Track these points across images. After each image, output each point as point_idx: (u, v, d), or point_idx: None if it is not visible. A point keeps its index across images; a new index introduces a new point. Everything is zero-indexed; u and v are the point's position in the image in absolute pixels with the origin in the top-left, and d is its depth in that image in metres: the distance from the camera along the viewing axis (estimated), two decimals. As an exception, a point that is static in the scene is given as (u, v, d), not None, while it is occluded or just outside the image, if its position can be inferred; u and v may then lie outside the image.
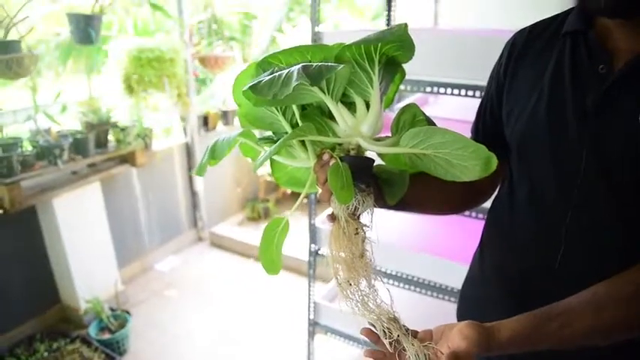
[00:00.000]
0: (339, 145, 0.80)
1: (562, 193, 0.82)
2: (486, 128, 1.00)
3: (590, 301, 0.72)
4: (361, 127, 0.79)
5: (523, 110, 0.87)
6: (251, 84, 0.72)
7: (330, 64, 0.70)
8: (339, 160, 0.75)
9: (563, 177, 0.82)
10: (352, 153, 0.79)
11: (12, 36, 2.22)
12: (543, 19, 0.92)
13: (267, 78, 0.71)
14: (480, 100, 1.03)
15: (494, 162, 0.69)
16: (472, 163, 0.69)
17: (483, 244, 1.06)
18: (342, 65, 0.70)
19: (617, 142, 0.75)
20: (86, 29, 2.41)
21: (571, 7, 0.87)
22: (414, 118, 0.81)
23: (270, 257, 0.83)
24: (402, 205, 0.88)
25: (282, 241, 0.83)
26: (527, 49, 0.90)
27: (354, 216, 0.77)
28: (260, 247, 0.84)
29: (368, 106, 0.78)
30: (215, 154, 0.82)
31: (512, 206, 0.94)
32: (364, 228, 0.78)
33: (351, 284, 0.74)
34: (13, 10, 2.28)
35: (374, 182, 0.81)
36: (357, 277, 0.74)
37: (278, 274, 0.83)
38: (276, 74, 0.71)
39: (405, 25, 0.73)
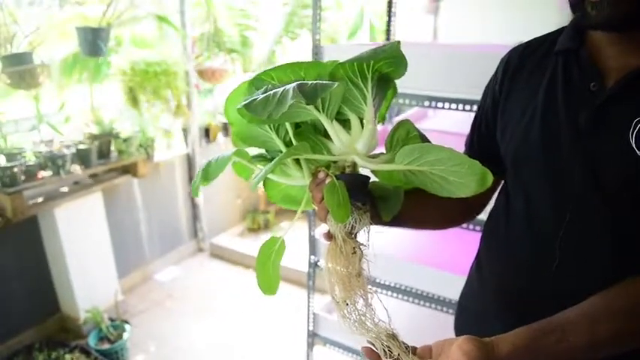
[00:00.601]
0: (334, 162, 0.80)
1: (556, 209, 0.83)
2: (481, 141, 1.01)
3: (586, 314, 0.72)
4: (356, 144, 0.78)
5: (517, 128, 0.89)
6: (245, 102, 0.72)
7: (324, 82, 0.71)
8: (334, 179, 0.75)
9: (558, 194, 0.83)
10: (348, 171, 0.79)
11: (23, 47, 2.27)
12: (537, 37, 0.94)
13: (262, 96, 0.71)
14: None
15: (490, 178, 0.70)
16: (468, 180, 0.70)
17: (480, 256, 1.07)
18: (336, 83, 0.70)
19: (609, 158, 0.77)
20: (95, 42, 2.46)
21: (564, 25, 0.89)
22: (407, 135, 0.81)
23: (267, 277, 0.83)
24: (397, 222, 0.88)
25: (279, 261, 0.82)
26: (521, 66, 0.92)
27: (351, 235, 0.77)
28: (256, 267, 0.83)
29: (362, 123, 0.78)
30: (208, 174, 0.82)
31: (508, 219, 0.95)
32: (361, 247, 0.77)
33: (348, 304, 0.73)
34: (23, 23, 2.33)
35: (369, 199, 0.81)
36: (354, 296, 0.73)
37: (275, 295, 0.83)
38: (271, 92, 0.70)
39: (398, 42, 0.74)
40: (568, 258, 0.84)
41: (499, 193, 1.01)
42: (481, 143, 1.01)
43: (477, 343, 0.66)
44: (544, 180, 0.85)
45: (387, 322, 0.72)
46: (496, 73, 0.97)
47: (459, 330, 1.12)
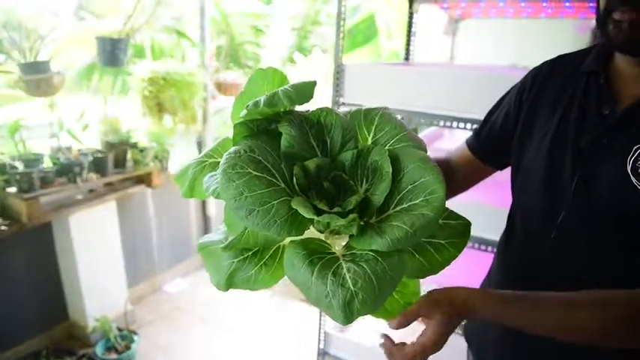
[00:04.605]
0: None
1: (546, 223, 0.87)
2: (490, 134, 1.05)
3: (565, 297, 0.74)
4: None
5: (532, 140, 0.92)
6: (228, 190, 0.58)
7: None
8: None
9: (549, 209, 0.86)
10: None
11: (41, 56, 2.31)
12: (568, 54, 0.95)
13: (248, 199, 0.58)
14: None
15: None
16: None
17: (491, 270, 1.12)
18: None
19: (604, 183, 0.78)
20: (113, 52, 2.49)
21: (594, 44, 0.90)
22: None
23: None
24: None
25: None
26: (549, 82, 0.94)
27: None
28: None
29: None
30: (194, 190, 0.73)
31: (510, 230, 1.02)
32: None
33: None
34: (42, 31, 2.38)
35: None
36: None
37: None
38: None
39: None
40: (551, 270, 0.87)
41: (510, 214, 1.04)
42: (490, 135, 1.05)
43: (447, 293, 0.71)
44: (543, 194, 0.88)
45: None
46: (524, 81, 0.99)
47: (468, 335, 1.15)
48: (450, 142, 2.57)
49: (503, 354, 0.98)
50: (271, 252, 0.67)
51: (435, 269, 0.66)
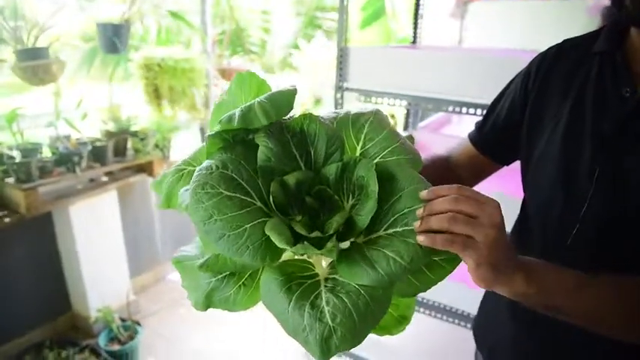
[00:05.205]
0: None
1: (564, 221, 0.81)
2: (495, 126, 0.99)
3: (617, 277, 0.68)
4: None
5: (543, 131, 0.86)
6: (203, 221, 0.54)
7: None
8: None
9: (571, 200, 0.80)
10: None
11: (40, 42, 2.26)
12: (574, 38, 0.90)
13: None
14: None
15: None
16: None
17: None
18: None
19: (633, 172, 0.73)
20: (114, 38, 2.44)
21: (602, 26, 0.85)
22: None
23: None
24: None
25: None
26: (555, 68, 0.88)
27: None
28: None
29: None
30: (171, 201, 0.67)
31: (523, 224, 0.95)
32: None
33: None
34: (42, 18, 2.33)
35: None
36: None
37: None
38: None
39: None
40: (574, 265, 0.80)
41: (523, 205, 0.98)
42: (494, 127, 0.99)
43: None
44: (559, 183, 0.82)
45: None
46: (529, 69, 0.93)
47: (476, 328, 1.11)
48: (458, 127, 2.51)
49: None
50: (251, 271, 0.61)
51: (426, 287, 0.60)
